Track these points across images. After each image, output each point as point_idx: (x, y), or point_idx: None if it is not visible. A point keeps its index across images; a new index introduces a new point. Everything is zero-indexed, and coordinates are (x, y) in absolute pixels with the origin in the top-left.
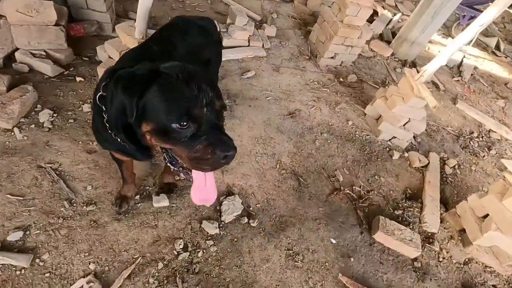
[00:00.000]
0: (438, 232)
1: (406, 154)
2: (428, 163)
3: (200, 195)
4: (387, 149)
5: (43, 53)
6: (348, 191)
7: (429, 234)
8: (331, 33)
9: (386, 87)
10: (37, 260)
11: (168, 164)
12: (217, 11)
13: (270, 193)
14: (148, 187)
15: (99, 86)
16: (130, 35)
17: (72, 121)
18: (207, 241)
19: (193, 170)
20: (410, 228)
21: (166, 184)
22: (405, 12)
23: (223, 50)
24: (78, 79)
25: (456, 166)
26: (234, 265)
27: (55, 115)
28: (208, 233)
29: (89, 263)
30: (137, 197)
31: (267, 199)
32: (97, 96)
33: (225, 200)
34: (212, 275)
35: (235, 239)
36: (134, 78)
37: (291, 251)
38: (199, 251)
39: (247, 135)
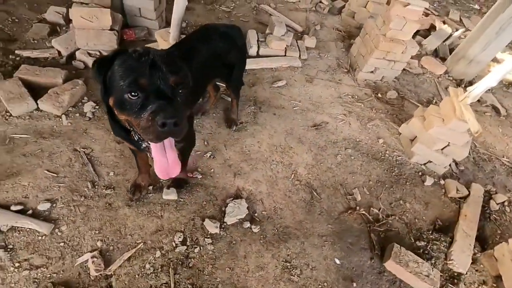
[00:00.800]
0: (466, 274)
1: (442, 182)
2: (468, 194)
3: (160, 167)
4: (420, 173)
5: (98, 53)
6: (364, 212)
7: (455, 274)
8: (372, 46)
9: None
10: (56, 230)
11: (136, 139)
12: (260, 21)
13: (279, 202)
14: (161, 180)
15: None
16: (166, 40)
17: None
18: (205, 239)
19: (151, 146)
20: (431, 263)
21: (177, 179)
22: (470, 28)
23: (258, 59)
24: None
25: (506, 203)
26: (227, 267)
27: (97, 107)
28: (208, 231)
29: (98, 240)
30: (150, 187)
31: (274, 207)
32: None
33: (231, 202)
34: (204, 272)
35: (234, 242)
36: (102, 59)
37: (288, 264)
38: (196, 247)
39: (267, 142)
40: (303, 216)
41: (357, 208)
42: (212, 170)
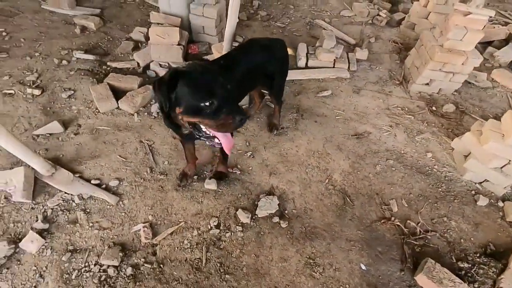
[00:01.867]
0: None
1: (500, 204)
2: None
3: (227, 145)
4: (473, 192)
5: (167, 64)
6: (399, 223)
7: None
8: (427, 57)
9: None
10: (120, 203)
11: (198, 136)
12: (313, 36)
13: (310, 203)
14: (205, 172)
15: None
16: (220, 52)
17: None
18: (237, 226)
19: (219, 135)
20: (473, 287)
21: (219, 172)
22: None
23: (305, 70)
24: None
25: None
26: (253, 254)
27: None
28: (240, 220)
29: (149, 215)
30: (195, 177)
31: (305, 207)
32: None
33: (264, 198)
34: (232, 255)
35: (262, 233)
36: (161, 80)
37: (311, 261)
38: (228, 232)
39: (305, 147)
40: (333, 219)
41: (392, 218)
42: (250, 168)
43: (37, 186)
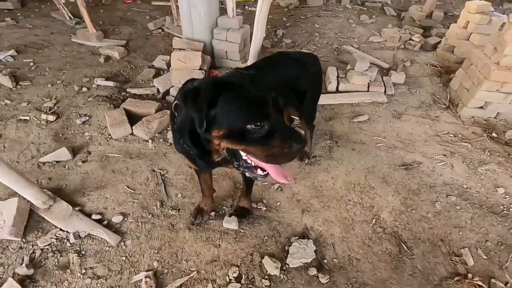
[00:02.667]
0: None
1: None
2: None
3: (281, 174)
4: None
5: None
6: (480, 283)
7: None
8: (480, 77)
9: None
10: (122, 243)
11: (235, 166)
12: (342, 61)
13: (355, 250)
14: (225, 208)
15: (177, 96)
16: None
17: None
18: (263, 280)
19: (266, 166)
20: None
21: (241, 208)
22: None
23: (337, 94)
24: None
25: None
26: None
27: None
28: (267, 271)
29: (155, 260)
30: (213, 213)
31: (349, 256)
32: (173, 104)
33: (296, 242)
34: None
35: None
36: (199, 94)
37: None
38: None
39: (343, 179)
40: (388, 274)
41: (470, 276)
42: (278, 204)
43: (31, 221)
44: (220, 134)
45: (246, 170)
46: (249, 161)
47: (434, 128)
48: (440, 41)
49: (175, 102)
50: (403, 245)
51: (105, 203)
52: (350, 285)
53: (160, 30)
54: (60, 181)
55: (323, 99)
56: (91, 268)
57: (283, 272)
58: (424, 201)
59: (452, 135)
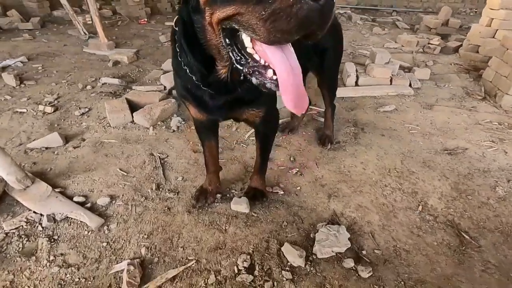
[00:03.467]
0: None
1: None
2: None
3: (292, 82)
4: None
5: None
6: None
7: None
8: None
9: None
10: (105, 228)
11: (236, 65)
12: (358, 63)
13: (402, 240)
14: (234, 191)
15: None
16: None
17: (193, 128)
18: (283, 272)
19: (274, 67)
20: None
21: (253, 189)
22: None
23: (359, 87)
24: None
25: None
26: None
27: (183, 122)
28: (288, 261)
29: (143, 247)
30: (219, 196)
31: (395, 247)
32: (174, 20)
33: (324, 228)
34: None
35: (327, 285)
36: None
37: None
38: (268, 281)
39: (374, 163)
40: (452, 270)
41: None
42: (298, 188)
43: (3, 205)
44: None
45: (252, 72)
46: (256, 57)
47: (473, 117)
48: (461, 44)
49: (176, 17)
50: (464, 235)
51: (91, 186)
52: (402, 282)
53: None
54: (45, 165)
55: (343, 92)
56: (61, 254)
57: (309, 263)
58: (480, 186)
59: (496, 123)
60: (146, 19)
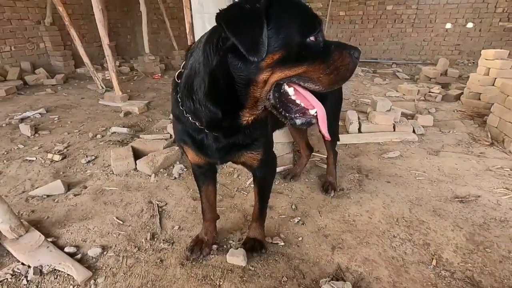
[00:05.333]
0: None
1: None
2: None
3: (324, 120)
4: None
5: None
6: None
7: None
8: None
9: None
10: (92, 281)
11: (282, 112)
12: (361, 111)
13: None
14: (231, 241)
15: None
16: None
17: None
18: None
19: (315, 106)
20: None
21: (251, 239)
22: None
23: (361, 134)
24: None
25: None
26: None
27: (185, 169)
28: None
29: None
30: (215, 247)
31: None
32: (177, 73)
33: (328, 284)
34: None
35: None
36: (251, 8)
37: None
38: None
39: (381, 212)
40: None
41: None
42: (300, 239)
43: None
44: (275, 59)
45: (297, 116)
46: (298, 101)
47: (483, 164)
48: (462, 92)
49: (179, 71)
50: None
51: (85, 235)
52: None
53: None
54: (43, 214)
55: (346, 138)
56: None
57: None
58: (499, 238)
59: (508, 169)
60: (160, 74)
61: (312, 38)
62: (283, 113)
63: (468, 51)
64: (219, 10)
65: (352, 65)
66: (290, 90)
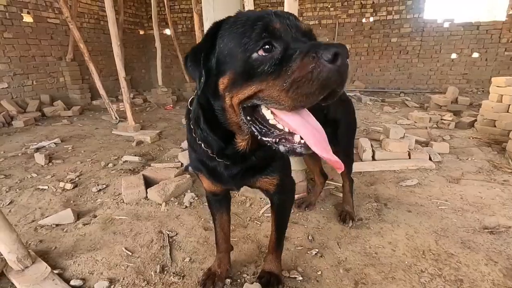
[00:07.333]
0: None
1: None
2: None
3: (319, 143)
4: None
5: None
6: None
7: None
8: None
9: None
10: None
11: (261, 138)
12: (372, 138)
13: None
14: (245, 275)
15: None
16: None
17: (206, 204)
18: None
19: (298, 131)
20: None
21: (267, 273)
22: None
23: (376, 162)
24: None
25: None
26: None
27: (196, 198)
28: None
29: None
30: (228, 280)
31: None
32: (189, 100)
33: None
34: None
35: None
36: (199, 44)
37: None
38: None
39: (404, 243)
40: None
41: None
42: (319, 273)
43: None
44: (226, 83)
45: (278, 141)
46: (280, 126)
47: (508, 192)
48: (475, 120)
49: (192, 97)
50: None
51: (92, 267)
52: None
53: None
54: (51, 244)
55: (360, 166)
56: None
57: None
58: None
59: None
60: (172, 105)
61: (260, 52)
62: (260, 138)
63: (476, 79)
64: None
65: (319, 71)
66: (267, 113)
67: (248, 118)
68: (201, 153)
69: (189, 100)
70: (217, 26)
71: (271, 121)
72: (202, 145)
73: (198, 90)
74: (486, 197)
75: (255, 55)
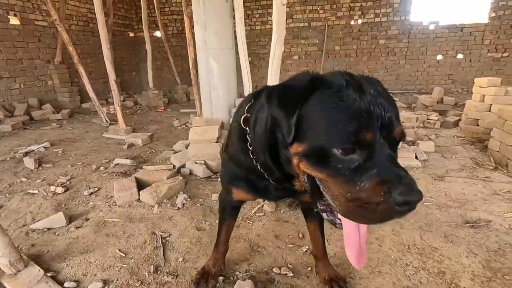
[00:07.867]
0: None
1: None
2: None
3: (357, 254)
4: None
5: (203, 162)
6: None
7: None
8: None
9: None
10: None
11: (312, 201)
12: None
13: None
14: (238, 273)
15: (244, 108)
16: None
17: (198, 205)
18: None
19: (343, 219)
20: None
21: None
22: None
23: None
24: (219, 180)
25: None
26: None
27: (188, 199)
28: None
29: None
30: (221, 278)
31: None
32: (242, 118)
33: None
34: None
35: None
36: (292, 90)
37: None
38: None
39: (391, 239)
40: None
41: None
42: (309, 269)
43: None
44: (299, 151)
45: (323, 209)
46: (329, 199)
47: (489, 188)
48: (460, 119)
49: (245, 116)
50: None
51: (86, 269)
52: None
53: (184, 126)
54: (43, 247)
55: None
56: None
57: None
58: None
59: None
60: (163, 108)
61: (340, 151)
62: (311, 198)
63: (461, 80)
64: (268, 87)
65: (384, 209)
66: (321, 187)
67: (308, 182)
68: (254, 173)
69: (242, 118)
70: (315, 83)
71: (325, 194)
72: (259, 166)
73: (287, 139)
74: (469, 193)
75: (335, 150)
